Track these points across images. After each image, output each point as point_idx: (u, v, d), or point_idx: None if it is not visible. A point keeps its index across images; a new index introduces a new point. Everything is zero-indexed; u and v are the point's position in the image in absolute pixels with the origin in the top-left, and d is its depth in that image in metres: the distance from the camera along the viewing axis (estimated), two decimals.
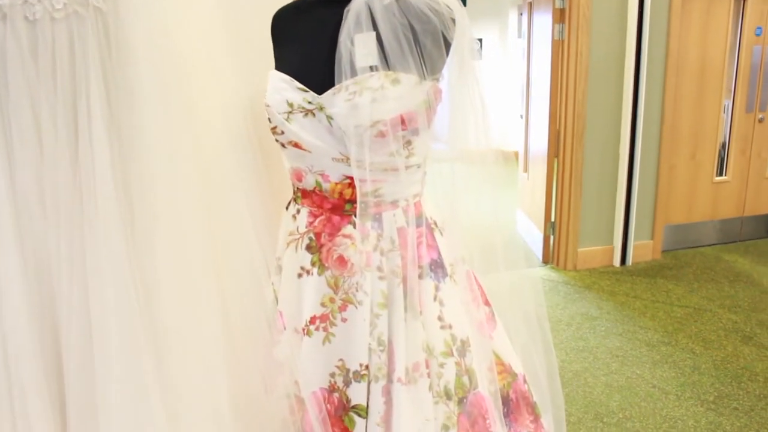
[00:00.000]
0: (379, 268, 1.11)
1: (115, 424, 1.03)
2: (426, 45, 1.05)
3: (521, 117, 4.62)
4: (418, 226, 1.15)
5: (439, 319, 1.14)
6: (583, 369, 2.89)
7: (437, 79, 1.10)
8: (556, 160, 4.01)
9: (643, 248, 4.17)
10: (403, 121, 1.04)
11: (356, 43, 1.01)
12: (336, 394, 1.13)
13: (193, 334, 1.13)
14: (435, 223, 1.19)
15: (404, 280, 1.11)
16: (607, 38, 3.76)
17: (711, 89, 4.19)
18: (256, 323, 1.20)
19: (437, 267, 1.15)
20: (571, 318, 3.38)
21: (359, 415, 1.12)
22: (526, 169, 4.60)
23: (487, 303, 1.24)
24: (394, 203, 1.13)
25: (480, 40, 8.24)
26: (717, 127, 4.29)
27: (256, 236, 1.17)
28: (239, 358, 1.19)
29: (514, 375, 1.24)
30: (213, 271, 1.16)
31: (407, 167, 1.10)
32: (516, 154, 4.88)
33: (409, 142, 1.08)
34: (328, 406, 1.13)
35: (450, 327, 1.14)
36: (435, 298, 1.14)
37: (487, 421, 1.14)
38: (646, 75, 3.78)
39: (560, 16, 3.76)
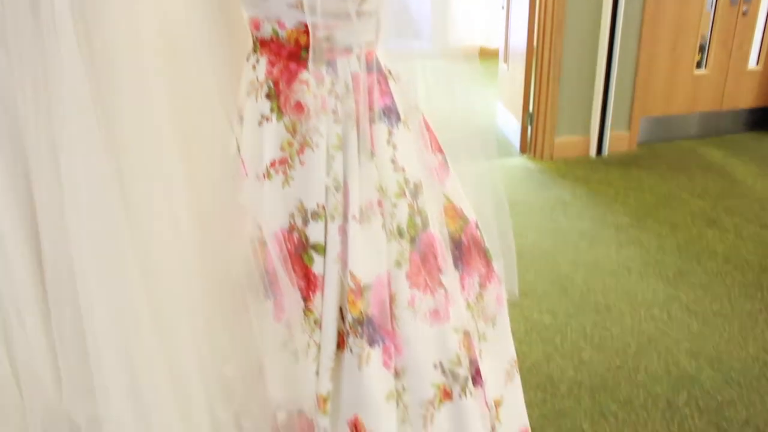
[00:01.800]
0: (334, 112, 1.16)
1: (87, 261, 1.10)
2: None
3: (502, 8, 4.56)
4: (372, 72, 1.19)
5: (392, 161, 1.19)
6: (553, 248, 3.01)
7: None
8: (534, 50, 4.00)
9: (619, 139, 4.22)
10: None
11: None
12: (295, 234, 1.20)
13: (157, 184, 1.18)
14: (389, 72, 1.23)
15: (358, 123, 1.16)
16: None
17: None
18: (219, 172, 1.26)
19: (390, 112, 1.20)
20: (545, 202, 3.48)
21: (317, 253, 1.19)
22: (506, 61, 4.59)
23: (440, 150, 1.30)
24: (348, 50, 1.17)
25: None
26: (699, 18, 4.25)
27: (217, 86, 1.21)
28: (203, 206, 1.25)
29: (466, 220, 1.31)
30: (175, 121, 1.20)
31: (359, 14, 1.13)
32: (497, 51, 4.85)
33: None
34: (288, 245, 1.20)
35: (403, 170, 1.20)
36: (388, 142, 1.19)
37: (438, 260, 1.22)
38: None
39: None
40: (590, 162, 4.08)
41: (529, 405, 2.01)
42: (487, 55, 7.77)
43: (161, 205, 1.18)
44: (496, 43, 4.79)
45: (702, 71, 4.46)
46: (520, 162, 4.09)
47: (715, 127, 4.64)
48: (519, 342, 2.33)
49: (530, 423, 1.92)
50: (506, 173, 3.91)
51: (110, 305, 1.13)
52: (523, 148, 4.20)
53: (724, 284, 2.72)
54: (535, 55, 4.00)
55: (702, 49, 4.42)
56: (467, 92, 1.34)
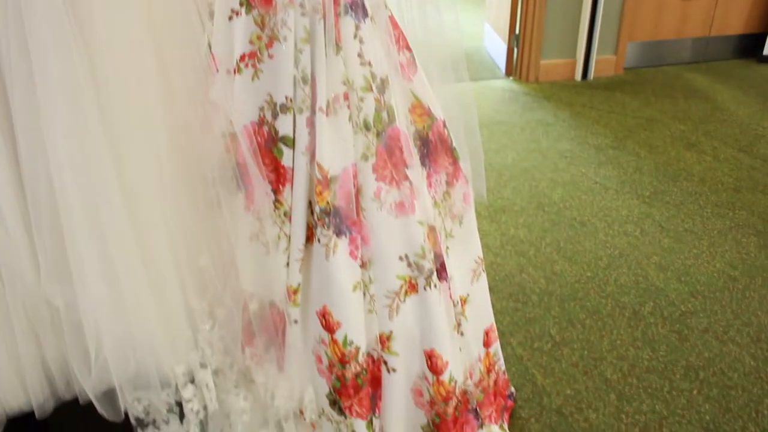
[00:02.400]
0: (302, 5, 1.17)
1: (61, 152, 1.13)
2: None
3: None
4: None
5: (359, 56, 1.21)
6: (532, 167, 3.05)
7: None
8: None
9: (605, 63, 4.21)
10: None
11: None
12: (265, 127, 1.23)
13: (130, 79, 1.20)
14: None
15: (324, 17, 1.17)
16: None
17: None
18: (190, 68, 1.27)
19: (357, 7, 1.21)
20: (527, 123, 3.49)
21: (286, 145, 1.23)
22: None
23: (408, 48, 1.31)
24: None
25: None
26: None
27: None
28: (176, 102, 1.27)
29: (434, 118, 1.34)
30: (147, 17, 1.21)
31: None
32: None
33: None
34: (258, 138, 1.23)
35: (369, 64, 1.22)
36: (355, 36, 1.21)
37: (404, 154, 1.26)
38: None
39: None
40: (575, 85, 4.07)
41: (500, 312, 2.09)
42: None
43: (134, 100, 1.20)
44: None
45: None
46: (505, 84, 4.08)
47: (704, 53, 4.62)
48: (494, 255, 2.40)
49: (500, 329, 2.00)
50: (491, 94, 3.91)
51: (85, 195, 1.17)
52: (509, 71, 4.18)
53: (697, 204, 2.77)
54: None
55: None
56: (439, 13, 1.34)
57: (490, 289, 1.58)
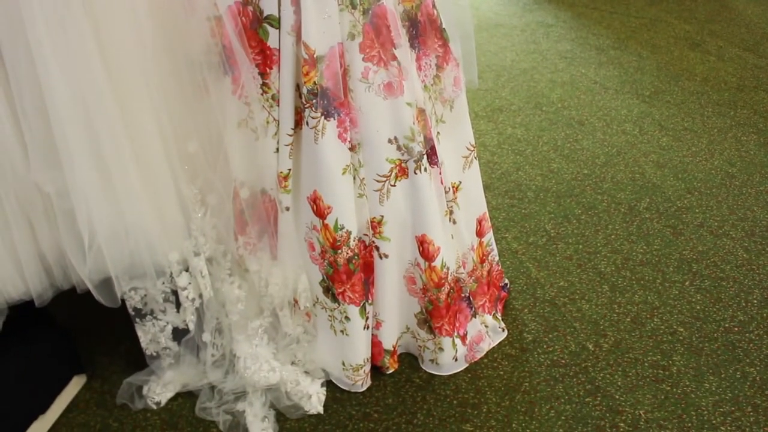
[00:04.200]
0: None
1: (44, 35, 1.10)
2: None
3: None
4: None
5: None
6: (531, 68, 2.99)
7: None
8: None
9: None
10: None
11: None
12: (250, 7, 1.20)
13: None
14: None
15: None
16: None
17: None
18: None
19: None
20: (527, 25, 3.41)
21: (272, 25, 1.20)
22: None
23: None
24: None
25: None
26: None
27: None
28: None
29: None
30: None
31: None
32: None
33: None
34: (243, 19, 1.20)
35: None
36: None
37: (391, 33, 1.22)
38: None
39: None
40: None
41: (496, 209, 2.10)
42: None
43: None
44: None
45: None
46: None
47: None
48: (491, 153, 2.38)
49: (496, 225, 2.01)
50: None
51: (69, 80, 1.15)
52: None
53: (698, 103, 2.74)
54: None
55: None
56: None
57: (487, 187, 1.58)
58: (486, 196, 1.60)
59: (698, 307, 1.76)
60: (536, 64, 3.02)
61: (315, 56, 1.19)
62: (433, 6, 1.31)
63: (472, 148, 1.47)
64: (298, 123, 1.27)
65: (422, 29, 1.30)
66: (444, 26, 1.33)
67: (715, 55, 3.13)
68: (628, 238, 2.01)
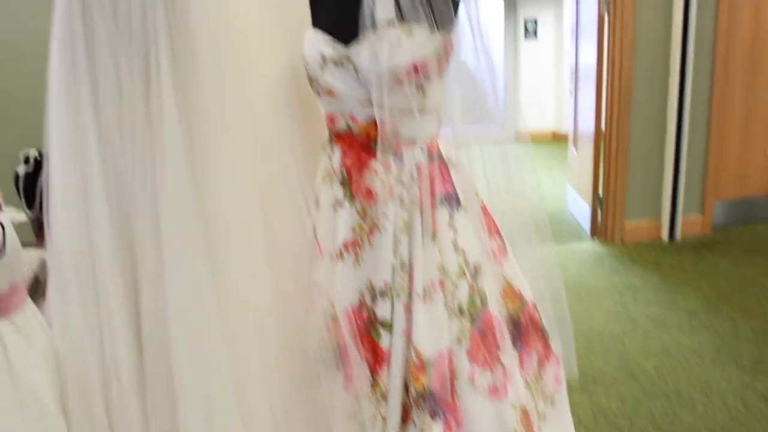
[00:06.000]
0: (401, 198, 1.27)
1: (179, 323, 1.22)
2: (435, 0, 1.20)
3: (570, 93, 4.68)
4: (434, 161, 1.31)
5: (453, 244, 1.29)
6: (622, 333, 2.99)
7: (448, 33, 1.25)
8: (602, 134, 4.07)
9: (692, 223, 4.18)
10: (416, 69, 1.20)
11: (376, 1, 1.18)
12: (365, 311, 1.30)
13: (242, 259, 1.31)
14: (450, 160, 1.35)
15: (421, 209, 1.27)
16: (652, 13, 3.80)
17: (764, 60, 4.13)
18: (297, 251, 1.38)
19: (451, 198, 1.31)
20: (614, 287, 3.46)
21: (384, 329, 1.28)
22: (575, 144, 4.66)
23: (498, 233, 1.38)
24: (413, 142, 1.29)
25: (535, 20, 8.25)
26: None
27: (297, 175, 1.35)
28: (283, 283, 1.36)
29: (525, 301, 1.38)
30: (259, 204, 1.34)
31: (421, 110, 1.26)
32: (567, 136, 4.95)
33: (422, 87, 1.24)
34: (358, 321, 1.30)
35: (463, 252, 1.29)
36: (449, 226, 1.29)
37: (497, 338, 1.29)
38: (693, 48, 3.80)
39: None
40: (662, 246, 4.05)
41: None
42: (558, 138, 7.88)
43: (245, 278, 1.31)
44: (566, 127, 4.89)
45: None
46: (590, 246, 4.09)
47: None
48: (586, 428, 2.31)
49: None
50: (576, 257, 3.93)
51: (198, 368, 1.25)
52: (594, 232, 4.22)
53: None
54: (603, 139, 4.07)
55: None
56: (522, 178, 1.43)
57: None
58: None
59: None
60: (627, 329, 3.01)
61: (424, 360, 1.25)
62: (535, 307, 1.39)
63: None
64: (404, 419, 1.31)
65: (524, 331, 1.37)
66: (545, 326, 1.40)
67: None
68: None
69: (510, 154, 1.40)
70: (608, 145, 4.01)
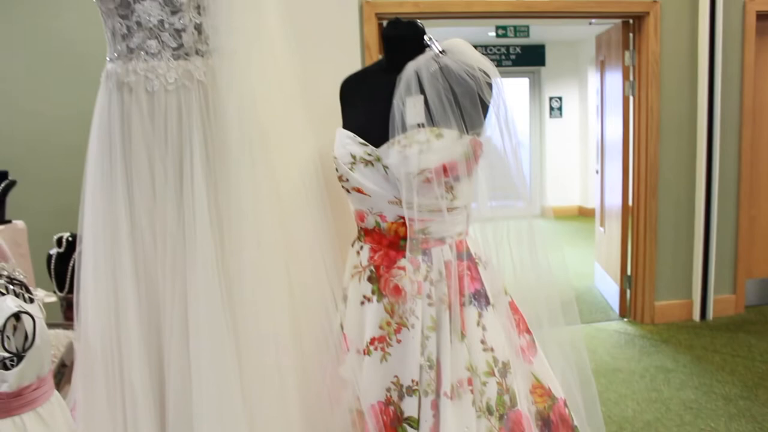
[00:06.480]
0: (429, 296, 1.28)
1: (204, 411, 1.23)
2: (465, 105, 1.24)
3: (597, 172, 4.70)
4: (463, 260, 1.32)
5: (482, 342, 1.29)
6: (655, 419, 2.90)
7: (477, 134, 1.28)
8: (630, 213, 4.06)
9: (724, 302, 4.11)
10: (445, 170, 1.23)
11: (407, 105, 1.22)
12: (391, 407, 1.29)
13: (269, 351, 1.32)
14: (479, 258, 1.36)
15: (450, 307, 1.27)
16: (677, 92, 3.84)
17: None
18: (324, 346, 1.39)
19: (480, 296, 1.31)
20: (645, 370, 3.38)
21: (411, 426, 1.27)
22: (602, 223, 4.65)
23: (528, 331, 1.38)
24: (442, 240, 1.31)
25: (560, 98, 8.36)
26: None
27: (325, 270, 1.37)
28: (309, 376, 1.37)
29: (555, 398, 1.36)
30: (288, 297, 1.36)
31: (450, 209, 1.28)
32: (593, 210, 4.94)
33: (451, 188, 1.26)
34: (385, 417, 1.29)
35: (492, 350, 1.29)
36: (478, 324, 1.29)
37: None
38: (719, 127, 3.81)
39: (629, 73, 3.88)
40: (694, 326, 3.96)
41: None
42: (584, 213, 7.87)
43: (272, 370, 1.32)
44: (592, 202, 4.87)
45: None
46: (619, 326, 4.02)
47: None
48: None
49: None
50: (606, 337, 3.86)
51: None
52: (623, 312, 4.15)
53: None
54: (630, 218, 4.06)
55: None
56: (548, 253, 1.41)
57: None
58: None
59: None
60: (660, 415, 2.93)
61: None
62: (565, 405, 1.37)
63: None
64: None
65: (554, 428, 1.35)
66: (576, 424, 1.37)
67: None
68: None
69: (536, 229, 1.40)
70: (636, 223, 3.99)
